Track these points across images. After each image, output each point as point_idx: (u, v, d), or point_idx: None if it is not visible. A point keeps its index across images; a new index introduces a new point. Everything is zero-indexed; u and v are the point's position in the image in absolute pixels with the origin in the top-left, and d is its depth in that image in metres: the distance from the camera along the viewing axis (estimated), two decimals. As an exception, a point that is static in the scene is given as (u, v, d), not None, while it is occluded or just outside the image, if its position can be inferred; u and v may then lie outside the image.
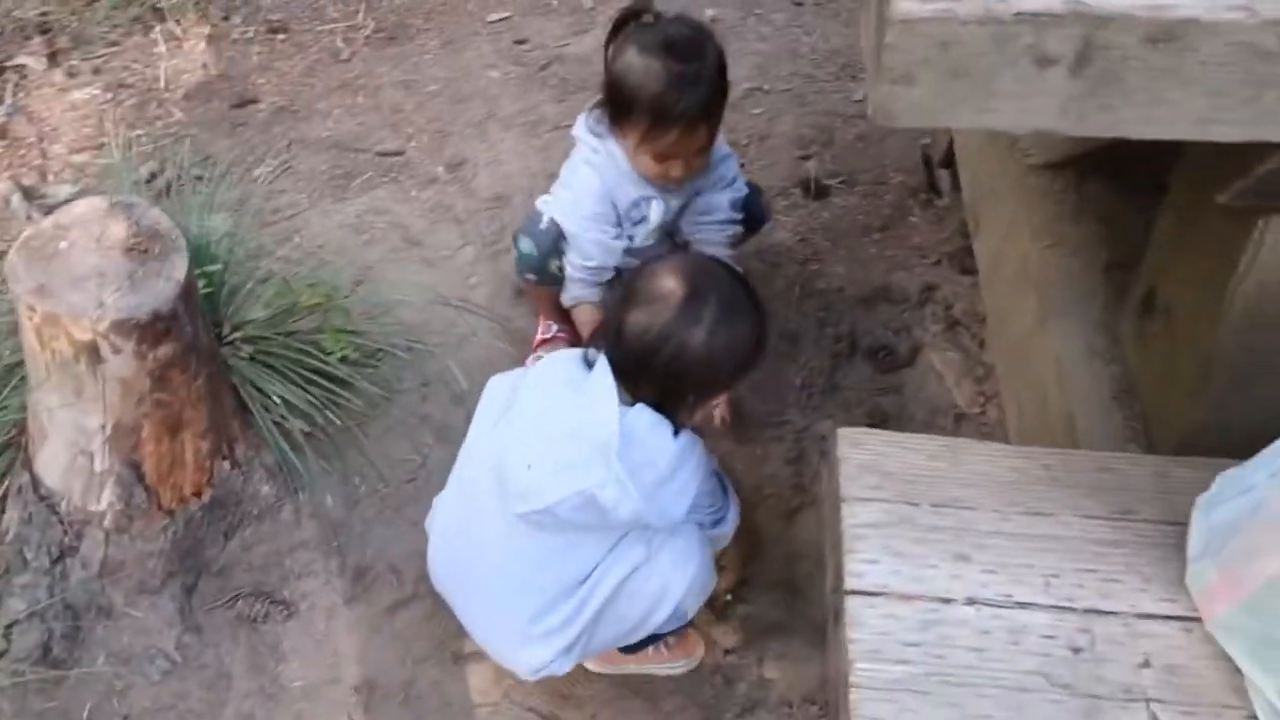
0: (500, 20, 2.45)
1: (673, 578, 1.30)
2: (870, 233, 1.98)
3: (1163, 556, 0.96)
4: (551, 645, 1.29)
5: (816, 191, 2.04)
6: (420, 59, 2.36)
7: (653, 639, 1.39)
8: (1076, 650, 0.90)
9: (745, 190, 1.71)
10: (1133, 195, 1.33)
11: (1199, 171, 1.04)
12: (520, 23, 2.43)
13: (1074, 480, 1.01)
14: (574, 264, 1.63)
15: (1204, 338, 1.05)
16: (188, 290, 1.38)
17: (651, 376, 1.21)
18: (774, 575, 1.58)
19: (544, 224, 1.63)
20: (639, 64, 1.47)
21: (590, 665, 1.42)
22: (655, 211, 1.63)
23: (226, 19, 2.44)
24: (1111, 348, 1.22)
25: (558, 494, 1.18)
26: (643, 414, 1.20)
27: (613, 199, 1.60)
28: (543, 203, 1.67)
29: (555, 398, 1.24)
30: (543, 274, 1.67)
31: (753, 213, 1.75)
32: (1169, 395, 1.14)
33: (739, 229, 1.72)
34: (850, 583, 0.94)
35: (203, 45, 2.39)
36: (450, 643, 1.48)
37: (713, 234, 1.69)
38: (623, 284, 1.29)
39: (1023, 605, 0.93)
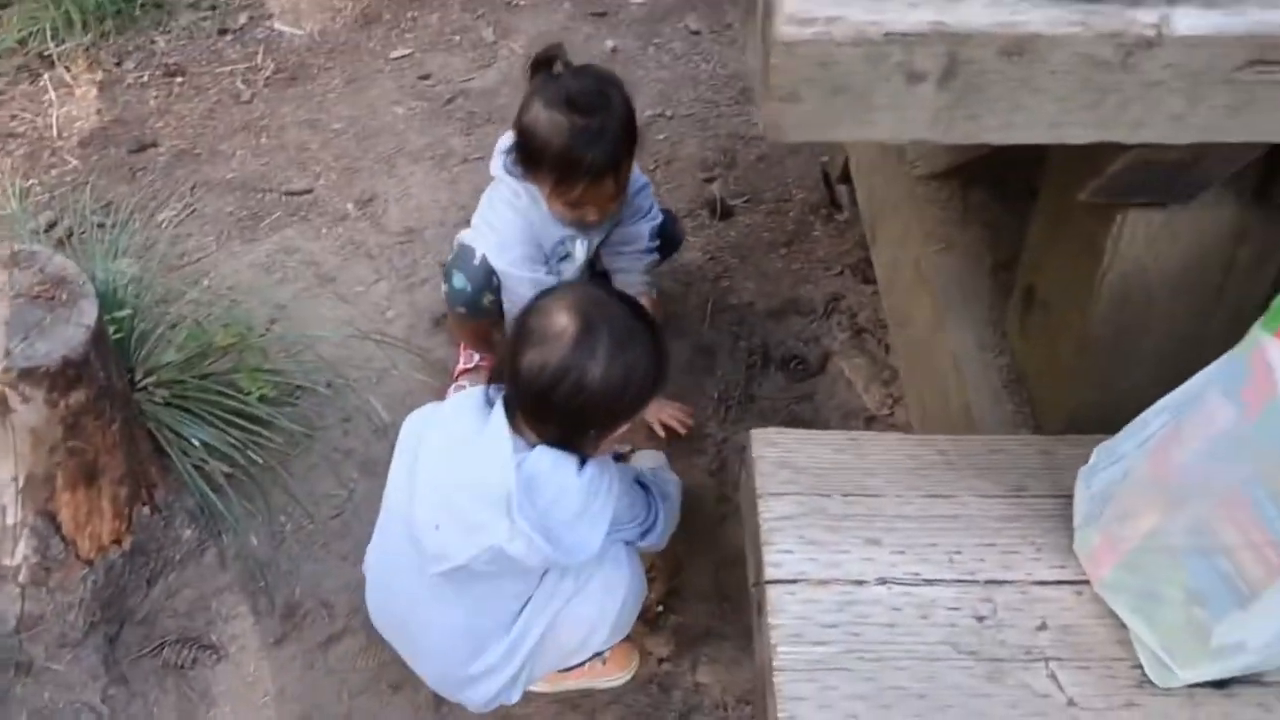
0: (403, 57, 2.49)
1: (605, 603, 1.34)
2: (776, 248, 2.08)
3: (1053, 527, 1.04)
4: (495, 681, 1.32)
5: (723, 211, 2.13)
6: (324, 98, 2.39)
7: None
8: (980, 619, 0.98)
9: (661, 218, 1.78)
10: (1011, 200, 1.44)
11: (1062, 174, 1.14)
12: (423, 58, 2.48)
13: (969, 463, 1.10)
14: (513, 303, 1.65)
15: (1077, 327, 1.15)
16: (98, 336, 1.38)
17: (552, 413, 1.21)
18: (703, 584, 1.64)
19: (477, 260, 1.64)
20: (544, 119, 1.50)
21: (531, 686, 1.45)
22: (580, 249, 1.67)
23: (119, 64, 2.44)
24: (1000, 342, 1.32)
25: (468, 553, 1.20)
26: (543, 457, 1.21)
27: (538, 240, 1.64)
28: (470, 238, 1.67)
29: (458, 445, 1.24)
30: (474, 308, 1.68)
31: (668, 237, 1.83)
32: (1052, 381, 1.24)
33: (656, 256, 1.79)
34: (769, 573, 1.00)
35: (95, 92, 2.37)
36: (386, 672, 1.49)
37: (631, 263, 1.76)
38: (514, 323, 1.28)
39: (929, 582, 1.00)
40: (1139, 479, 0.92)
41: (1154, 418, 0.94)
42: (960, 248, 1.44)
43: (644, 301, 1.65)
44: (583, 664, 1.43)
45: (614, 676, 1.50)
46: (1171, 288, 1.10)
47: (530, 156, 1.54)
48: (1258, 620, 0.82)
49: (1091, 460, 1.01)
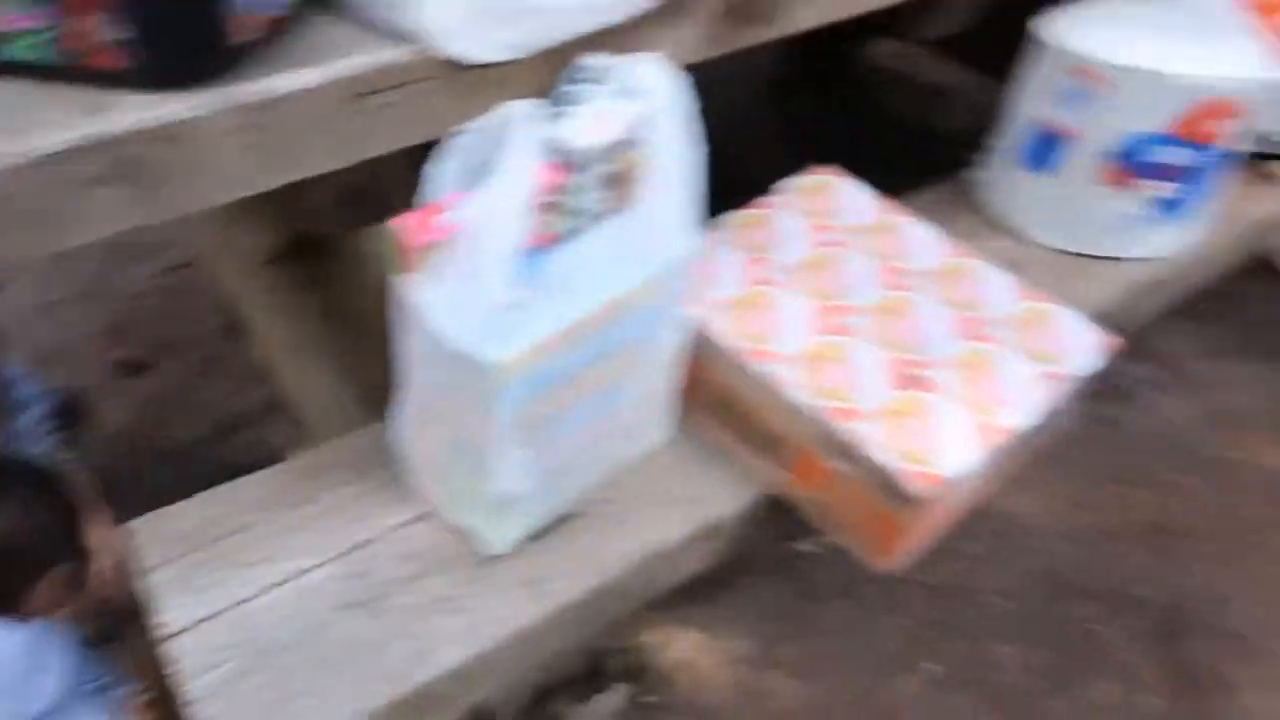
0: None
1: None
2: (192, 380, 2.21)
3: (403, 486, 1.29)
4: None
5: (135, 369, 2.23)
6: None
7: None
8: (356, 575, 1.20)
9: (52, 400, 1.85)
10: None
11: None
12: None
13: (328, 465, 1.32)
14: None
15: (366, 338, 1.43)
16: None
17: None
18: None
19: None
20: None
21: None
22: None
23: None
24: (348, 373, 1.58)
25: None
26: None
27: None
28: None
29: None
30: None
31: (67, 413, 1.91)
32: (378, 388, 1.51)
33: (60, 435, 1.84)
34: (165, 631, 1.14)
35: None
36: None
37: (48, 446, 1.79)
38: None
39: (308, 570, 1.20)
40: (409, 416, 1.20)
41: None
42: (299, 315, 1.69)
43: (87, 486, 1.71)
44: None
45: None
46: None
47: None
48: (479, 473, 1.13)
49: (390, 422, 1.28)
